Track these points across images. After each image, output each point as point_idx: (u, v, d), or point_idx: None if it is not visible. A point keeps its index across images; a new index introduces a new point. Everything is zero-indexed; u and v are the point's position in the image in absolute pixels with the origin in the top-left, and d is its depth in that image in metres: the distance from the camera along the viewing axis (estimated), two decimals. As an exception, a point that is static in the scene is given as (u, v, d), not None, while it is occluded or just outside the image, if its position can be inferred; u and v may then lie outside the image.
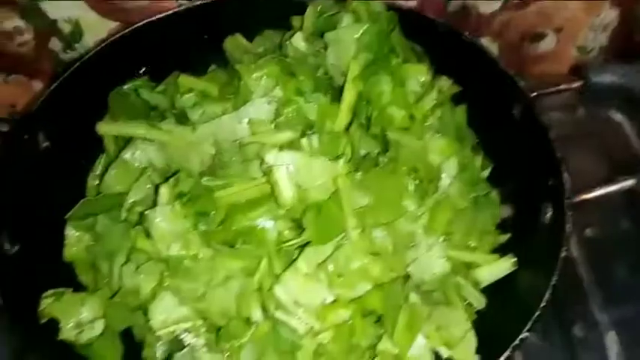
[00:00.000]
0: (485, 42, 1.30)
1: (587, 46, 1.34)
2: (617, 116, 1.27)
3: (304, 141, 0.77)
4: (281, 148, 0.76)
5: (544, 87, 0.89)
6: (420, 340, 0.75)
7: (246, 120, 0.84)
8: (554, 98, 1.21)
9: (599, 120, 1.27)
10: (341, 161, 0.75)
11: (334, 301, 0.72)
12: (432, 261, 0.79)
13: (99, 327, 0.77)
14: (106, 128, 0.90)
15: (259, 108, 0.84)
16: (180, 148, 0.84)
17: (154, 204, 0.76)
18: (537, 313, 0.69)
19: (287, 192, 0.73)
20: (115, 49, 0.98)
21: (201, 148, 0.84)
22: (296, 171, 0.74)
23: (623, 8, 1.25)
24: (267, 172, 0.74)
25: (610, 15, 1.27)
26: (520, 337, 0.68)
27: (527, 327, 0.68)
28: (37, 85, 1.32)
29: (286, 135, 0.80)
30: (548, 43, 1.32)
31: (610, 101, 1.22)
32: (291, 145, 0.78)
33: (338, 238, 0.73)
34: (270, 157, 0.74)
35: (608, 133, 1.25)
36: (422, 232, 0.78)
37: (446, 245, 0.82)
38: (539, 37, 1.30)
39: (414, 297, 0.80)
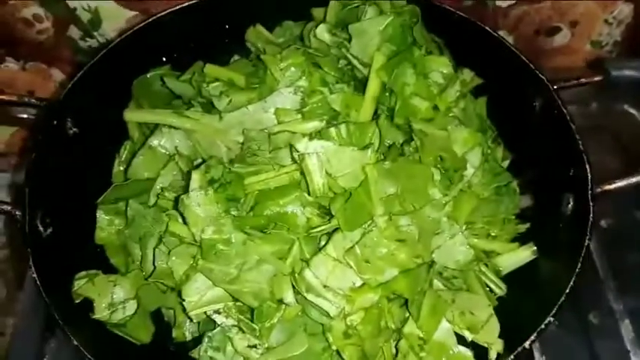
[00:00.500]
0: (501, 35, 1.30)
1: (601, 41, 1.35)
2: (632, 110, 1.29)
3: (333, 130, 0.79)
4: (311, 137, 0.78)
5: (567, 79, 0.90)
6: (445, 324, 0.77)
7: (272, 109, 0.85)
8: (568, 92, 1.23)
9: (613, 114, 1.30)
10: (369, 150, 0.77)
11: (362, 285, 0.74)
12: (455, 248, 0.80)
13: (131, 307, 0.79)
14: (132, 116, 0.92)
15: (285, 98, 0.86)
16: (208, 135, 0.86)
17: (184, 190, 0.78)
18: (562, 299, 0.70)
19: (318, 179, 0.75)
20: (138, 37, 0.98)
21: (228, 136, 0.86)
22: (326, 159, 0.75)
23: (637, 3, 1.25)
24: (299, 160, 0.75)
25: (624, 10, 1.27)
26: (545, 321, 0.70)
27: (552, 311, 0.70)
28: (56, 73, 1.33)
29: (314, 124, 0.81)
30: (562, 38, 1.33)
31: (628, 95, 1.23)
32: (320, 135, 0.80)
33: (366, 225, 0.75)
34: (301, 145, 0.75)
35: (622, 127, 1.27)
36: (446, 220, 0.80)
37: (468, 233, 0.84)
38: (554, 31, 1.31)
39: (437, 283, 0.82)
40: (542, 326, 0.70)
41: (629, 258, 1.10)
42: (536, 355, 0.98)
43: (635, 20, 1.30)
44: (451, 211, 0.81)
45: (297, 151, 0.75)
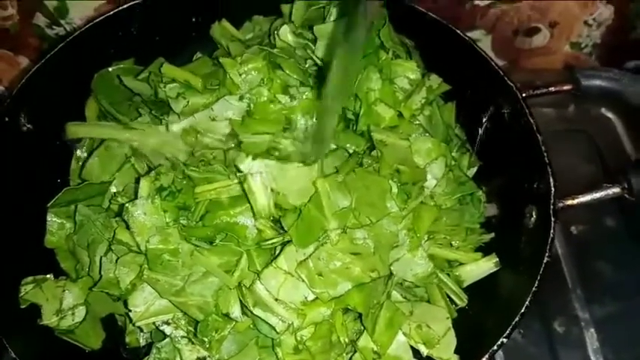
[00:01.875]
0: (479, 34, 1.28)
1: (580, 42, 1.33)
2: (609, 114, 1.28)
3: (283, 142, 0.77)
4: (254, 156, 0.75)
5: (536, 85, 0.88)
6: (400, 338, 0.76)
7: (219, 117, 0.83)
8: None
9: (590, 118, 1.28)
10: (316, 166, 0.74)
11: (314, 299, 0.72)
12: (414, 262, 0.78)
13: (80, 314, 0.78)
14: (76, 130, 0.89)
15: (232, 106, 0.83)
16: (155, 145, 0.84)
17: (136, 196, 0.76)
18: (516, 320, 0.69)
19: (262, 200, 0.73)
20: (102, 29, 0.95)
21: (176, 146, 0.83)
22: (271, 178, 0.73)
23: (618, 6, 1.23)
24: (242, 180, 0.73)
25: (605, 12, 1.25)
26: (498, 342, 0.68)
27: (505, 333, 0.68)
28: (23, 60, 1.30)
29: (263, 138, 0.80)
30: (541, 38, 1.31)
31: (600, 102, 1.22)
32: (269, 148, 0.78)
33: (320, 238, 0.73)
34: (244, 165, 0.73)
35: (598, 131, 1.26)
36: (405, 233, 0.78)
37: (429, 244, 0.82)
38: (533, 31, 1.29)
39: (396, 294, 0.81)
40: (495, 347, 0.68)
41: (597, 266, 1.10)
42: (499, 364, 0.97)
43: (615, 23, 1.28)
44: (410, 223, 0.78)
45: (240, 172, 0.73)
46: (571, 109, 1.29)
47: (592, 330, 1.02)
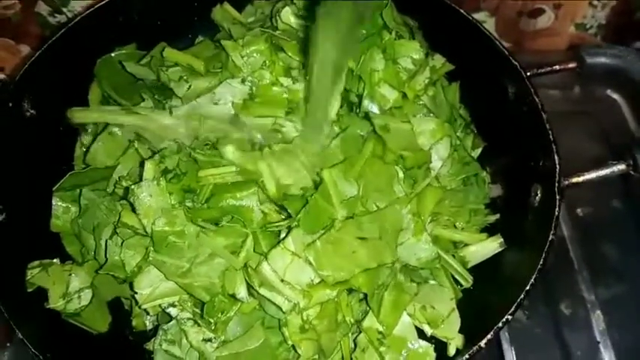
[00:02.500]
0: (483, 16, 1.27)
1: (585, 24, 1.32)
2: (614, 95, 1.27)
3: (287, 124, 0.77)
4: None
5: (540, 64, 0.87)
6: (405, 319, 0.76)
7: (222, 101, 0.83)
8: (551, 77, 1.21)
9: (595, 99, 1.27)
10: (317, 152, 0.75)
11: (320, 282, 0.72)
12: (418, 246, 0.78)
13: (86, 297, 0.78)
14: (79, 115, 0.89)
15: (234, 89, 0.83)
16: (157, 131, 0.84)
17: (141, 179, 0.76)
18: (521, 297, 0.69)
19: (270, 185, 0.74)
20: (103, 15, 0.95)
21: (178, 130, 0.83)
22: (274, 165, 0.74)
23: (624, -14, 1.23)
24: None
25: (610, -8, 1.24)
26: (503, 319, 0.68)
27: (510, 310, 0.68)
28: (24, 49, 1.30)
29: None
30: (546, 20, 1.30)
31: (602, 80, 1.21)
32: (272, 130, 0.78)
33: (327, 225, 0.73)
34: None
35: (604, 112, 1.25)
36: (410, 218, 0.77)
37: (433, 225, 0.82)
38: (537, 12, 1.28)
39: (400, 276, 0.80)
40: (500, 324, 0.68)
41: (604, 247, 1.09)
42: (505, 345, 0.97)
43: (620, 3, 1.27)
44: (416, 207, 0.78)
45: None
46: (576, 90, 1.28)
47: (598, 311, 1.02)
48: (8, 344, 0.95)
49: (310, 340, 0.71)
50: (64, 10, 1.22)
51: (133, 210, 0.73)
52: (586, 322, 1.01)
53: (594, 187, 1.12)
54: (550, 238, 0.71)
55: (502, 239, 0.84)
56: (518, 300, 0.69)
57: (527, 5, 1.26)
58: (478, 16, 1.27)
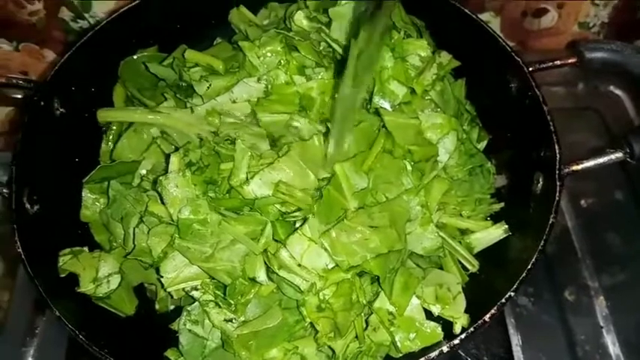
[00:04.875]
0: (488, 16, 1.31)
1: (588, 22, 1.35)
2: (617, 91, 1.31)
3: (301, 121, 0.83)
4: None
5: (543, 61, 0.92)
6: (414, 300, 0.80)
7: (239, 99, 0.88)
8: (555, 73, 1.24)
9: (599, 94, 1.31)
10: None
11: (334, 267, 0.77)
12: (424, 236, 0.83)
13: (115, 281, 0.83)
14: (106, 115, 0.94)
15: (251, 87, 0.88)
16: (180, 128, 0.89)
17: (165, 171, 0.81)
18: (523, 276, 0.73)
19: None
20: (126, 19, 1.00)
21: (200, 127, 0.88)
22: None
23: (624, -15, 1.26)
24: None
25: (612, -9, 1.28)
26: (506, 296, 0.72)
27: (513, 287, 0.72)
28: (48, 53, 1.35)
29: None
30: (549, 19, 1.34)
31: (605, 76, 1.25)
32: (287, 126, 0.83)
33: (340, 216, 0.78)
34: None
35: (607, 107, 1.29)
36: (418, 209, 0.82)
37: (440, 214, 0.86)
38: (541, 12, 1.32)
39: (410, 262, 0.85)
40: (503, 300, 0.72)
41: (606, 237, 1.13)
42: (511, 330, 1.01)
43: (622, 2, 1.30)
44: (424, 199, 0.83)
45: None
46: (580, 86, 1.32)
47: (601, 298, 1.05)
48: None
49: (327, 318, 0.75)
50: (86, 15, 1.26)
51: (161, 200, 0.78)
52: (589, 308, 1.04)
53: (597, 179, 1.18)
54: (550, 222, 0.76)
55: (506, 226, 0.89)
56: (521, 278, 0.73)
57: (531, 5, 1.30)
58: (483, 16, 1.30)
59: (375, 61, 0.77)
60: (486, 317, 0.72)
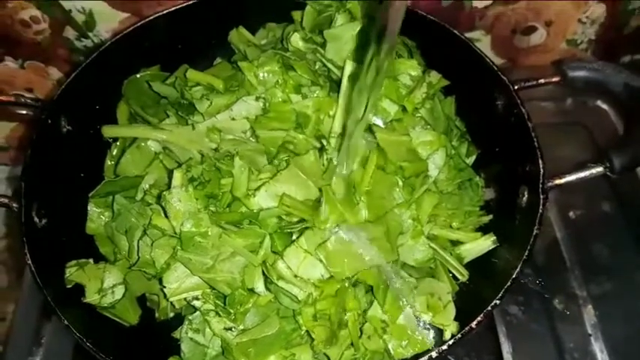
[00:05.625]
0: (478, 35, 1.36)
1: (576, 39, 1.40)
2: (604, 106, 1.35)
3: (298, 137, 0.88)
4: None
5: (528, 79, 0.96)
6: (407, 309, 0.84)
7: (238, 117, 0.92)
8: (543, 89, 1.28)
9: (586, 110, 1.35)
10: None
11: (330, 277, 0.80)
12: (415, 248, 0.86)
13: (119, 292, 0.86)
14: (110, 131, 0.98)
15: (250, 105, 0.92)
16: (182, 144, 0.92)
17: (168, 186, 0.85)
18: (508, 284, 0.77)
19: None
20: (129, 40, 1.04)
21: (201, 144, 0.92)
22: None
23: (609, 4, 1.30)
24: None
25: (597, 10, 1.32)
26: (492, 304, 0.76)
27: (499, 295, 0.76)
28: (53, 71, 1.39)
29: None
30: (538, 37, 1.38)
31: (591, 92, 1.29)
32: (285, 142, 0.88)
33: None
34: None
35: (595, 123, 1.33)
36: (410, 223, 0.86)
37: (430, 226, 0.90)
38: (530, 30, 1.36)
39: (403, 273, 0.89)
40: (489, 308, 0.76)
41: (594, 247, 1.16)
42: (502, 338, 1.04)
43: (608, 20, 1.35)
44: (415, 212, 0.87)
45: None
46: (568, 102, 1.36)
47: (590, 306, 1.08)
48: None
49: (322, 326, 0.79)
50: (90, 34, 1.30)
51: (164, 213, 0.82)
52: (578, 317, 1.07)
53: (585, 191, 1.21)
54: (535, 233, 0.79)
55: (495, 237, 0.92)
56: (506, 286, 0.76)
57: (520, 24, 1.35)
58: (473, 34, 1.35)
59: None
60: (473, 324, 0.75)
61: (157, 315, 0.91)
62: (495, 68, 0.95)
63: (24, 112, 1.18)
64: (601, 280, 1.12)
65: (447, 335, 0.82)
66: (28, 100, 0.99)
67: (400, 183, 0.87)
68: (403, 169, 0.88)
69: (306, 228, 0.82)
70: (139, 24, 1.05)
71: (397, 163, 0.87)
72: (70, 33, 1.30)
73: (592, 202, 1.22)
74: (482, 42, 1.37)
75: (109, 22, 1.27)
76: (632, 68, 0.92)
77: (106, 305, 0.86)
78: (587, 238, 1.17)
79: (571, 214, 1.21)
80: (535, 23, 1.35)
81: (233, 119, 0.92)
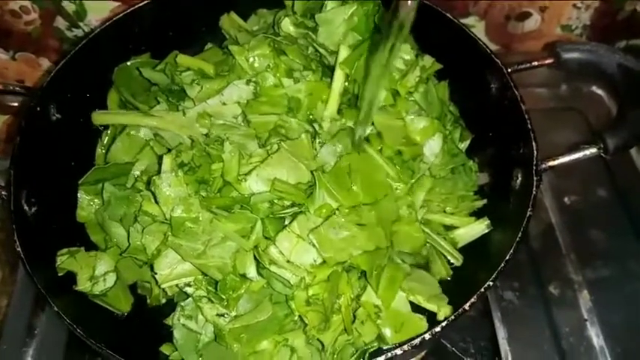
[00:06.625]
0: (473, 21, 1.35)
1: (571, 25, 1.39)
2: (599, 91, 1.35)
3: (290, 121, 0.87)
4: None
5: (521, 62, 0.95)
6: (400, 294, 0.83)
7: (229, 102, 0.91)
8: (538, 75, 1.28)
9: (581, 95, 1.35)
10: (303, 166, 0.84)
11: (322, 263, 0.80)
12: (409, 234, 0.86)
13: (111, 279, 0.85)
14: (100, 118, 0.97)
15: (241, 89, 0.92)
16: (173, 129, 0.92)
17: (158, 172, 0.84)
18: (502, 266, 0.76)
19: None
20: (119, 27, 1.03)
21: (192, 129, 0.91)
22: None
23: (604, -12, 1.30)
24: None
25: (592, -5, 1.32)
26: (485, 286, 0.75)
27: (492, 277, 0.75)
28: (44, 62, 1.39)
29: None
30: (533, 22, 1.37)
31: (586, 77, 1.28)
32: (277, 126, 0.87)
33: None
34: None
35: (589, 107, 1.33)
36: (405, 209, 0.85)
37: (424, 211, 0.90)
38: (524, 16, 1.35)
39: (397, 258, 0.88)
40: (482, 290, 0.75)
41: (590, 233, 1.16)
42: (497, 323, 1.04)
43: (603, 5, 1.34)
44: (410, 199, 0.86)
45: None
46: (563, 87, 1.36)
47: (585, 292, 1.08)
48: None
49: (315, 311, 0.78)
50: (81, 24, 1.29)
51: (154, 199, 0.81)
52: (574, 302, 1.07)
53: (580, 176, 1.21)
54: (528, 215, 0.79)
55: (489, 221, 0.92)
56: (499, 268, 0.76)
57: (514, 9, 1.34)
58: (468, 20, 1.34)
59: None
60: (466, 306, 0.75)
61: (149, 302, 0.91)
62: (489, 51, 0.94)
63: (15, 103, 1.18)
64: (596, 265, 1.12)
65: (440, 317, 0.81)
66: (17, 89, 0.98)
67: (397, 167, 0.86)
68: (402, 153, 0.87)
69: (299, 213, 0.81)
70: (128, 10, 1.04)
71: (394, 147, 0.86)
72: (60, 23, 1.29)
73: (587, 187, 1.22)
74: (477, 28, 1.36)
75: (100, 11, 1.27)
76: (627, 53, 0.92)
77: (97, 293, 0.85)
78: (582, 224, 1.17)
79: (566, 199, 1.21)
80: (529, 9, 1.34)
81: (224, 104, 0.92)
